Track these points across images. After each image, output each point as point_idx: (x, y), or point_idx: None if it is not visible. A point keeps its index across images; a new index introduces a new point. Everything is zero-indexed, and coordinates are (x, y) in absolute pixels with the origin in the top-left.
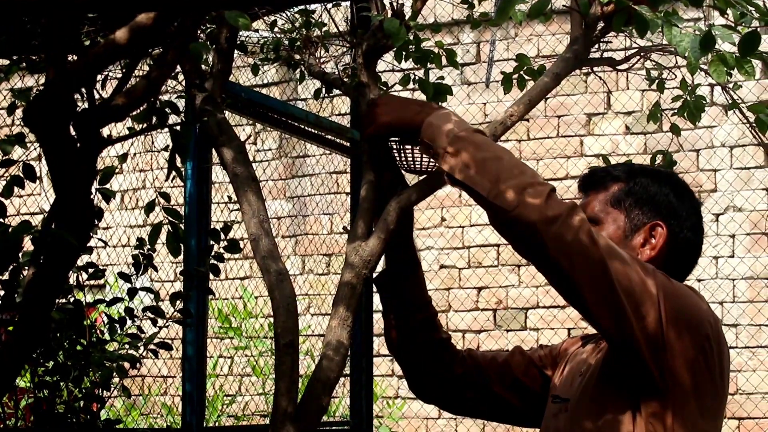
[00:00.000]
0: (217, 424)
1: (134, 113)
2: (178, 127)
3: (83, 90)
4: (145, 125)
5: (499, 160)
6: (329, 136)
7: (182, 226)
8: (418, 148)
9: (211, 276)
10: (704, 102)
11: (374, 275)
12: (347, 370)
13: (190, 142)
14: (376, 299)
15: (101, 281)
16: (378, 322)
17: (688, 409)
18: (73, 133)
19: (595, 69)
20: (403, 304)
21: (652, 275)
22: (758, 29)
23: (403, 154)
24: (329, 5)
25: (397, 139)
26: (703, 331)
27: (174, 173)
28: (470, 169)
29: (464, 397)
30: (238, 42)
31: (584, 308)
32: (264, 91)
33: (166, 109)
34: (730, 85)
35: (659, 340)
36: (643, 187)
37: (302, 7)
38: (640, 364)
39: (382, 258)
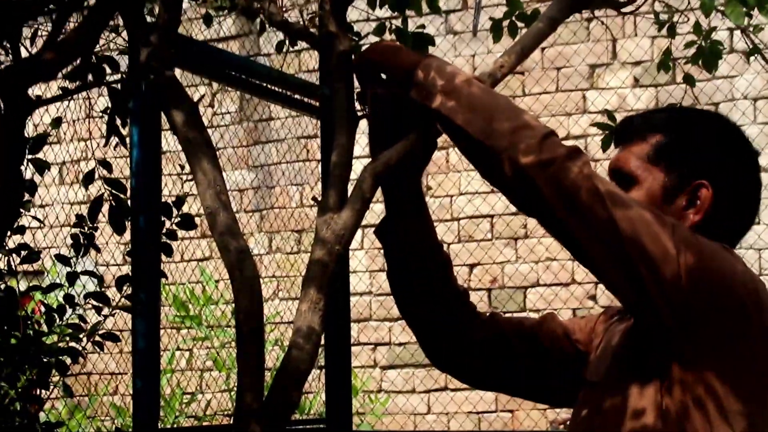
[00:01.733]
0: (175, 426)
1: (67, 70)
2: (118, 86)
3: (7, 45)
4: (79, 84)
5: (495, 101)
6: (296, 96)
7: (128, 200)
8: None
9: (164, 257)
10: (721, 48)
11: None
12: (322, 361)
13: (131, 101)
14: (354, 279)
15: (37, 266)
16: (355, 306)
17: (723, 388)
18: None
19: (597, 13)
20: (409, 250)
21: (670, 229)
22: None
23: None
24: None
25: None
26: (737, 296)
27: (116, 139)
28: (462, 107)
29: (484, 367)
30: None
31: (595, 268)
32: (220, 45)
33: (104, 65)
34: (751, 29)
35: (680, 303)
36: (686, 139)
37: None
38: (663, 331)
39: (382, 201)
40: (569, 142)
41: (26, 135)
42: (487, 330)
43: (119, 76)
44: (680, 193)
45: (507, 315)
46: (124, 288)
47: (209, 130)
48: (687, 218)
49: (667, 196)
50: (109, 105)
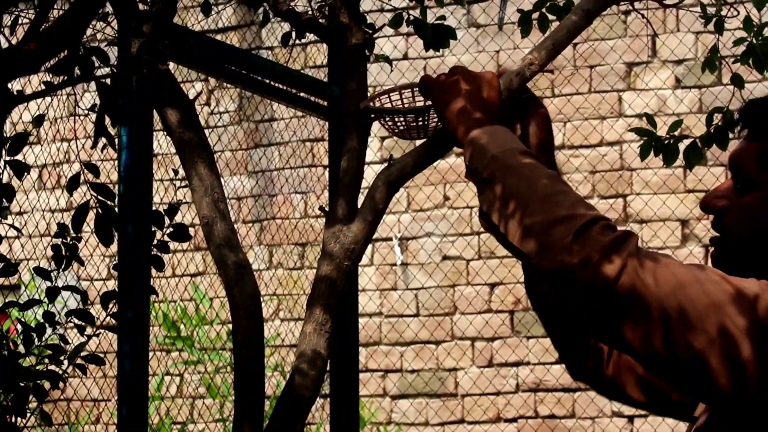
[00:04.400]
0: None
1: (51, 63)
2: (107, 81)
3: None
4: (64, 78)
5: (533, 188)
6: (302, 94)
7: (115, 207)
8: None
9: (154, 272)
10: None
11: None
12: (326, 389)
13: (122, 99)
14: (363, 298)
15: (14, 280)
16: (364, 328)
17: None
18: None
19: (636, 5)
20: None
21: (729, 296)
22: None
23: (393, 117)
24: None
25: (387, 94)
26: None
27: (104, 140)
28: (498, 202)
29: (608, 378)
30: None
31: (664, 371)
32: (219, 37)
33: (92, 58)
34: None
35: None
36: None
37: None
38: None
39: None
40: (603, 150)
41: (4, 134)
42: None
43: (109, 70)
44: None
45: None
46: (110, 305)
47: (205, 131)
48: None
49: None
50: (97, 102)
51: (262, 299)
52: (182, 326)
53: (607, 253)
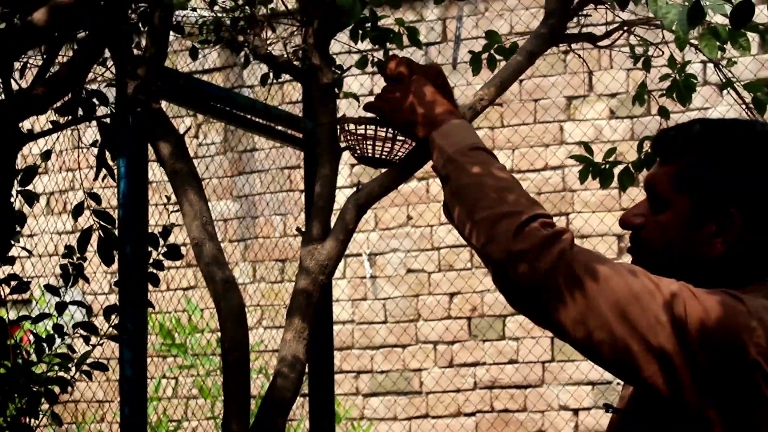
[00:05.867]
0: None
1: (57, 104)
2: (107, 120)
3: None
4: (69, 118)
5: (481, 185)
6: (280, 127)
7: (116, 231)
8: (378, 134)
9: (150, 287)
10: (695, 81)
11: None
12: (305, 389)
13: (120, 136)
14: (336, 308)
15: (26, 295)
16: (338, 334)
17: None
18: None
19: (573, 46)
20: None
21: (662, 296)
22: None
23: (360, 143)
24: None
25: (354, 125)
26: (743, 350)
27: (104, 171)
28: (453, 198)
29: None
30: (174, 23)
31: (596, 358)
32: (205, 77)
33: (93, 100)
34: (724, 62)
35: (682, 368)
36: (714, 161)
37: None
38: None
39: None
40: (547, 173)
41: (16, 167)
42: None
43: (108, 109)
44: (710, 219)
45: None
46: (112, 317)
47: (194, 161)
48: (715, 247)
49: (695, 222)
50: (97, 137)
51: (246, 310)
52: (176, 335)
53: (543, 247)
